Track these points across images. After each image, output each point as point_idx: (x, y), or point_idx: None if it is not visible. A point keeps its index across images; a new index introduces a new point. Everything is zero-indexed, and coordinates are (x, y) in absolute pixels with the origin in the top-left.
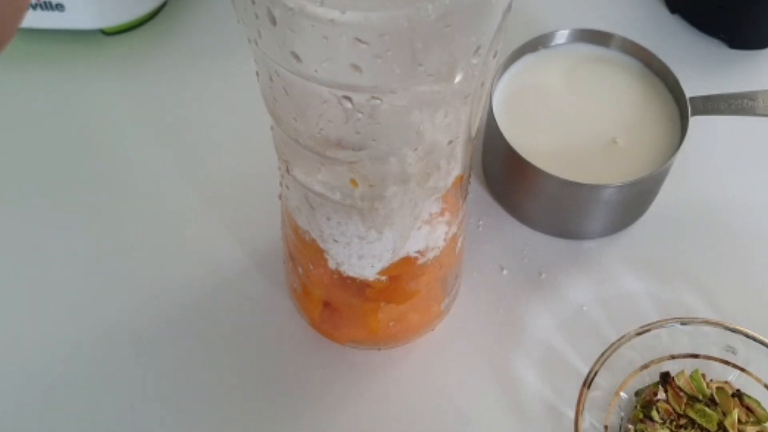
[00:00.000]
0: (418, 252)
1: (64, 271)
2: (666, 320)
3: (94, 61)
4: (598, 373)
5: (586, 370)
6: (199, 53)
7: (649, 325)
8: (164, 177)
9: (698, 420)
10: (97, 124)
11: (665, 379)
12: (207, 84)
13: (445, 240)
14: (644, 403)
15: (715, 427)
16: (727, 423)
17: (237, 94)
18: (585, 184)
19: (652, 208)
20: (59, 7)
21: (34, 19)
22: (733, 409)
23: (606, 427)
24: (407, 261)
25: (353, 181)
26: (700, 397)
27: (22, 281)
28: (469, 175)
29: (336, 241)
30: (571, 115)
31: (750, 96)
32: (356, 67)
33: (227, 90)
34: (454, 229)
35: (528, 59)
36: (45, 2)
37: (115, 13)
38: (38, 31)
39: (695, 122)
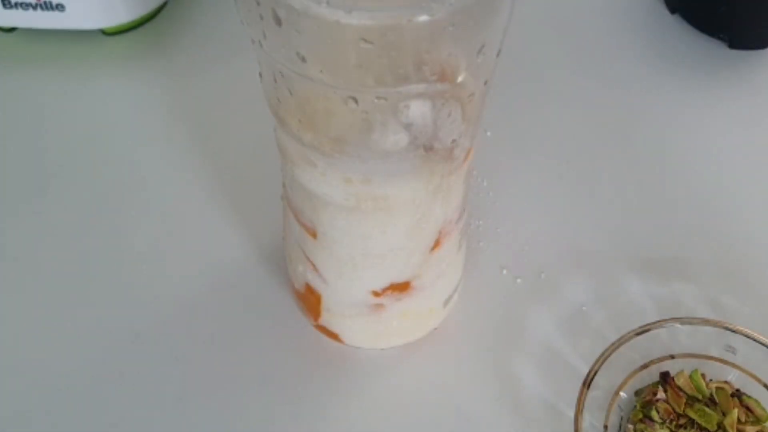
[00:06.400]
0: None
1: (64, 271)
2: (666, 320)
3: (94, 61)
4: (598, 373)
5: (586, 370)
6: (200, 53)
7: (649, 325)
8: (165, 177)
9: (698, 420)
10: (97, 124)
11: (665, 378)
12: (208, 84)
13: (448, 238)
14: (644, 403)
15: (715, 427)
16: (726, 423)
17: (239, 94)
18: None
19: (650, 207)
20: (59, 7)
21: (34, 19)
22: (733, 408)
23: (606, 427)
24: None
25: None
26: (700, 397)
27: (20, 281)
28: (471, 174)
29: (340, 240)
30: None
31: None
32: (361, 67)
33: (229, 90)
34: (457, 226)
35: None
36: (45, 2)
37: (115, 13)
38: (38, 31)
39: (692, 120)
